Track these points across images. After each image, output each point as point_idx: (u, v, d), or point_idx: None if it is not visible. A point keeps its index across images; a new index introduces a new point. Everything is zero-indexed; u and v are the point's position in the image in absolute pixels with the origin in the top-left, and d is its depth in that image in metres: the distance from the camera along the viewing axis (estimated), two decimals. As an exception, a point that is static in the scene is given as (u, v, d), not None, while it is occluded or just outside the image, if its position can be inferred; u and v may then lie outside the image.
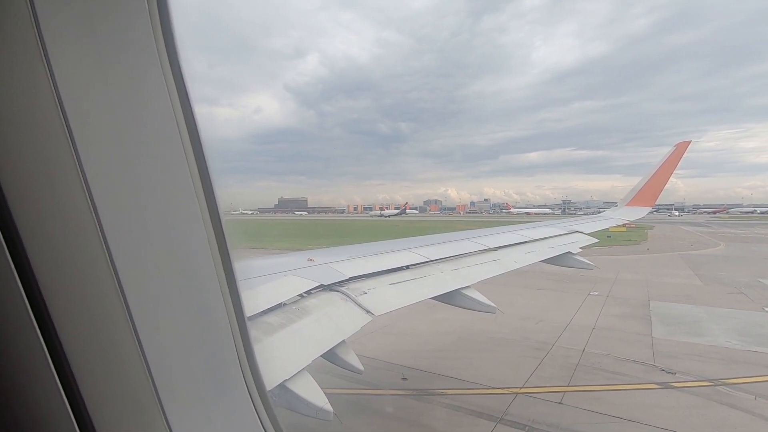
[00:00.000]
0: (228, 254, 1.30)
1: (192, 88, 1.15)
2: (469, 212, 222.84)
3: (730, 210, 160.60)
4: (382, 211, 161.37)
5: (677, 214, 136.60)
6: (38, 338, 0.91)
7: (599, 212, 18.03)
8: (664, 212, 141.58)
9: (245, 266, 4.49)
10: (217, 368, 1.33)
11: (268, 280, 3.92)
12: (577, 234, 9.73)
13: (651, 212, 14.27)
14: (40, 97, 0.87)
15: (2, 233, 0.85)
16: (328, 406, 2.79)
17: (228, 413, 1.36)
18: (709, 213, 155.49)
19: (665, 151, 13.95)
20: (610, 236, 43.31)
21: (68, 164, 0.90)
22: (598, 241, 9.88)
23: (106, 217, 0.96)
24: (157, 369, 1.09)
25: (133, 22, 1.01)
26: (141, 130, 1.05)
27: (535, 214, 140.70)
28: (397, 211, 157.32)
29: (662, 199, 14.10)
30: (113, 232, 0.98)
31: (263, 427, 1.45)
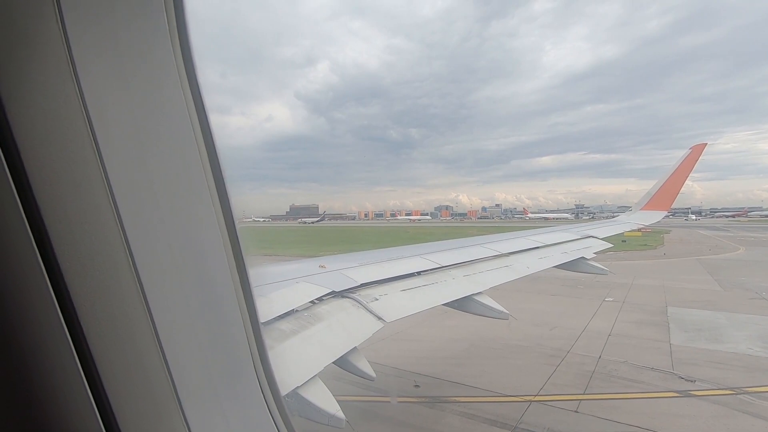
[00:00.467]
0: (242, 259, 1.34)
1: (206, 97, 1.19)
2: (481, 218, 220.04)
3: (749, 213, 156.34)
4: (304, 219, 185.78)
5: (694, 217, 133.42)
6: (67, 341, 0.95)
7: (614, 216, 17.73)
8: (680, 216, 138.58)
9: (258, 273, 4.51)
10: (233, 370, 1.37)
11: (280, 286, 3.94)
12: (591, 239, 9.61)
13: (667, 216, 13.99)
14: (70, 108, 0.92)
15: (33, 236, 0.89)
16: (341, 413, 2.78)
17: (243, 414, 1.40)
18: (728, 216, 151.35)
19: (681, 154, 13.72)
20: (625, 241, 42.70)
21: (94, 171, 0.95)
22: (612, 246, 9.74)
23: (128, 221, 1.01)
24: (176, 370, 1.13)
25: (153, 36, 1.06)
26: (160, 137, 1.10)
27: (554, 219, 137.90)
28: (318, 218, 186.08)
29: (679, 202, 13.86)
30: (135, 237, 1.02)
31: (277, 428, 1.48)
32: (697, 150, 13.30)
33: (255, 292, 1.39)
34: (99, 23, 0.95)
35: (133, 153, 1.03)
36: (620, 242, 42.81)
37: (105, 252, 0.99)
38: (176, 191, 1.15)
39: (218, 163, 1.24)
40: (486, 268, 6.25)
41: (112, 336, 1.02)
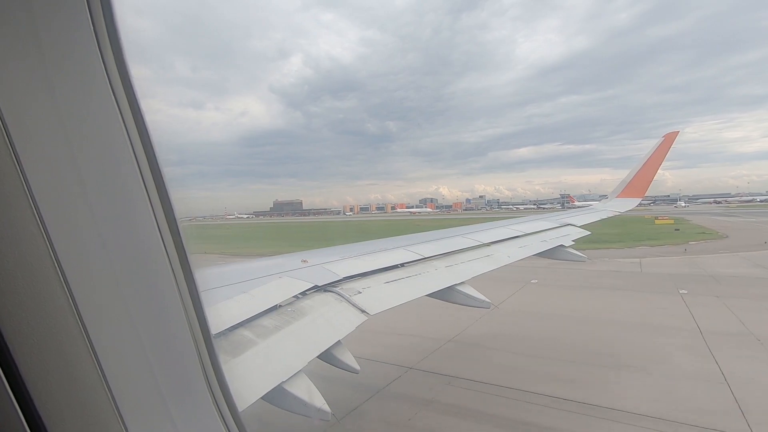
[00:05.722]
0: (188, 264, 1.27)
1: (142, 93, 1.12)
2: (466, 209, 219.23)
3: (728, 199, 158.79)
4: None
5: (683, 204, 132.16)
6: None
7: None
8: (660, 203, 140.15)
9: (241, 269, 4.48)
10: (181, 383, 1.30)
11: (263, 282, 3.92)
12: (570, 227, 9.81)
13: (651, 203, 14.33)
14: None
15: None
16: (326, 407, 2.80)
17: (190, 419, 1.33)
18: (717, 202, 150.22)
19: (652, 143, 14.09)
20: (678, 229, 42.27)
21: (11, 174, 0.89)
22: (590, 233, 9.96)
23: (52, 226, 0.95)
24: (115, 383, 1.07)
25: (74, 25, 0.99)
26: (84, 137, 1.03)
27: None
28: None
29: (651, 190, 14.22)
30: (61, 242, 0.97)
31: (227, 429, 1.43)
32: (670, 138, 13.68)
33: (204, 298, 1.32)
34: (8, 20, 0.88)
35: (54, 154, 0.97)
36: (673, 231, 41.56)
37: (28, 258, 0.93)
38: (107, 193, 1.08)
39: (156, 162, 1.16)
40: (468, 258, 6.33)
41: (39, 346, 0.96)
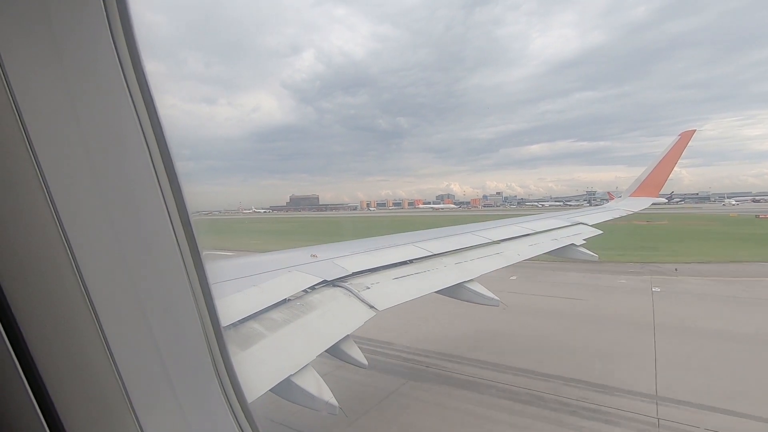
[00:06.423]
0: (200, 258, 1.29)
1: (155, 88, 1.13)
2: (486, 206, 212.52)
3: (764, 198, 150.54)
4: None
5: (734, 203, 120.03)
6: (6, 346, 0.92)
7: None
8: (689, 201, 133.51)
9: (252, 262, 4.52)
10: (191, 375, 1.32)
11: (273, 276, 3.96)
12: (581, 226, 9.69)
13: (679, 201, 13.98)
14: None
15: None
16: (334, 400, 2.83)
17: (204, 419, 1.36)
18: (756, 201, 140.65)
19: (668, 141, 13.74)
20: None
21: (28, 171, 0.92)
22: (602, 232, 9.83)
23: (68, 220, 0.97)
24: (127, 374, 1.10)
25: (88, 21, 1.01)
26: (100, 133, 1.05)
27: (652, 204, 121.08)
28: None
29: (666, 189, 13.90)
30: (76, 236, 0.99)
31: (239, 427, 1.44)
32: (686, 136, 13.40)
33: (213, 286, 1.34)
34: (26, 15, 0.90)
35: (69, 149, 0.99)
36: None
37: (44, 253, 0.96)
38: (121, 187, 1.10)
39: (170, 157, 1.18)
40: (477, 256, 6.31)
41: (55, 340, 0.99)
